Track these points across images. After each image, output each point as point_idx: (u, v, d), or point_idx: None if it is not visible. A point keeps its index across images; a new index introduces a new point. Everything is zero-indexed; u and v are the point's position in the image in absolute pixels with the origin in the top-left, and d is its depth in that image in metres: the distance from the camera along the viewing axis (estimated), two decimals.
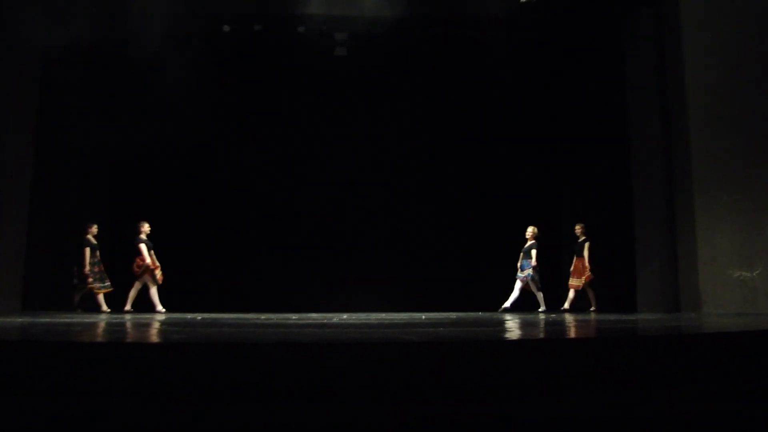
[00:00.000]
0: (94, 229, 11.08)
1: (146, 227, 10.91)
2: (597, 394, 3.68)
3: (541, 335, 5.18)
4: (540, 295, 11.03)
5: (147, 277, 10.77)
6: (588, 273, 11.03)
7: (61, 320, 7.44)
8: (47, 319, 7.64)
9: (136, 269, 10.78)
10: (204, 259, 11.44)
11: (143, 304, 10.78)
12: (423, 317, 8.79)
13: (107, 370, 3.59)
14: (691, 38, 9.19)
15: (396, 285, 11.49)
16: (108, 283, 11.01)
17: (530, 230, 11.17)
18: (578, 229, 11.33)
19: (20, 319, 7.64)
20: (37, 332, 5.37)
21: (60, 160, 11.22)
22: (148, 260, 10.71)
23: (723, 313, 8.30)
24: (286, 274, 12.00)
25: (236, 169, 12.55)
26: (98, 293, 10.90)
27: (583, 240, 11.19)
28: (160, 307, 10.73)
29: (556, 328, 6.09)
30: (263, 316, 8.97)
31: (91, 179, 12.03)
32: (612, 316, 8.53)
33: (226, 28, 11.38)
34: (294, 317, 8.64)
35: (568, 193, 12.83)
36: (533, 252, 10.99)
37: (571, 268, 11.29)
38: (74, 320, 7.52)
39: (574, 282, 11.18)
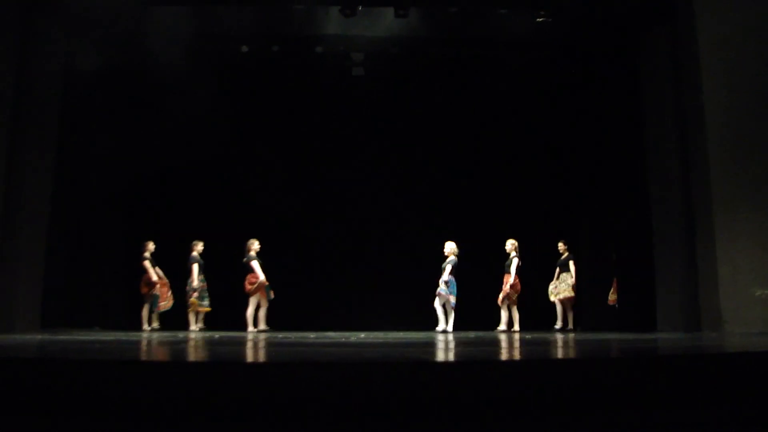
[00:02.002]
0: (200, 246, 11.10)
1: (257, 245, 10.86)
2: (617, 414, 3.63)
3: (560, 355, 5.13)
4: (441, 311, 10.78)
5: (261, 294, 10.72)
6: (506, 289, 10.84)
7: (80, 338, 7.47)
8: (66, 337, 7.67)
9: (248, 286, 10.70)
10: (220, 277, 11.43)
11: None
12: (439, 335, 8.75)
13: (119, 390, 3.59)
14: (709, 56, 9.14)
15: (414, 304, 11.42)
16: (207, 303, 10.99)
17: (448, 246, 10.91)
18: (509, 245, 11.11)
19: (39, 337, 7.69)
20: (56, 350, 5.39)
21: (79, 179, 11.32)
22: (262, 277, 10.64)
23: (745, 332, 8.19)
24: (305, 293, 11.99)
25: (253, 188, 12.59)
26: (200, 311, 10.93)
27: (513, 256, 11.01)
28: (262, 326, 10.66)
29: (575, 348, 6.04)
30: (281, 335, 8.98)
31: (109, 198, 12.11)
32: (631, 335, 8.44)
33: (244, 48, 11.47)
34: (312, 336, 8.63)
35: (585, 211, 12.74)
36: (448, 267, 10.74)
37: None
38: (93, 338, 7.55)
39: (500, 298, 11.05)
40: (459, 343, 6.90)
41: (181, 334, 9.34)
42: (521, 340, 7.61)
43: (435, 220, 12.48)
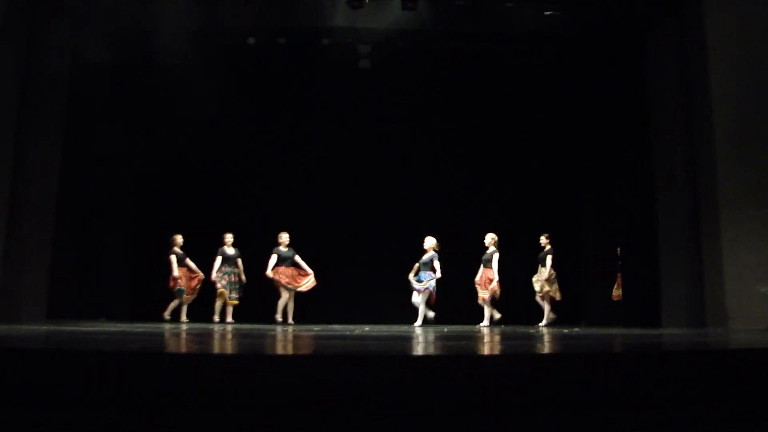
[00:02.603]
0: (228, 237, 11.00)
1: (282, 237, 10.91)
2: (620, 411, 3.63)
3: (563, 350, 5.13)
4: (422, 308, 10.56)
5: (280, 286, 10.78)
6: (494, 286, 10.62)
7: (85, 329, 7.50)
8: (71, 328, 7.70)
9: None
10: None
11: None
12: (445, 330, 8.76)
13: (124, 380, 3.60)
14: (717, 52, 9.10)
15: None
16: (235, 296, 10.88)
17: (429, 241, 10.69)
18: (490, 239, 10.89)
19: (45, 327, 7.72)
20: (61, 341, 5.41)
21: (85, 171, 11.36)
22: (267, 272, 10.67)
23: (749, 329, 8.17)
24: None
25: (259, 181, 12.62)
26: (228, 303, 10.89)
27: (493, 251, 10.80)
28: (289, 319, 10.73)
29: (578, 342, 6.03)
30: (290, 328, 9.00)
31: (115, 190, 12.16)
32: (636, 331, 8.43)
33: (251, 40, 11.46)
34: (316, 328, 8.65)
35: (591, 206, 12.73)
36: (437, 263, 10.51)
37: (477, 279, 10.86)
38: (98, 329, 7.57)
39: (482, 294, 10.81)
40: (452, 338, 6.90)
41: (185, 326, 9.37)
42: (523, 335, 7.61)
43: (441, 213, 12.49)
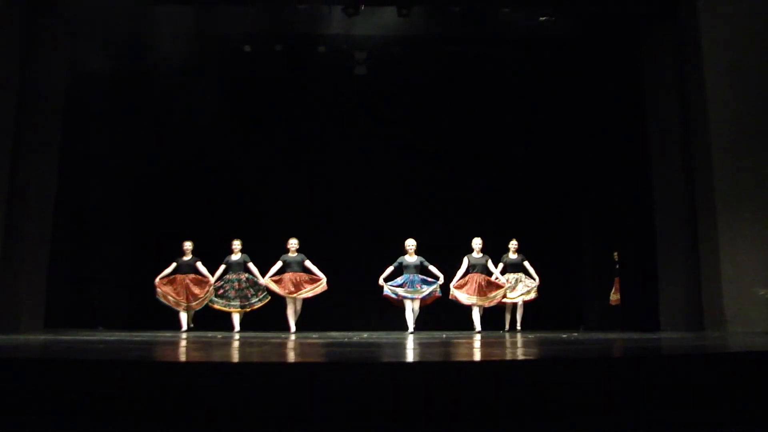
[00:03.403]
0: (234, 245, 10.51)
1: (291, 243, 10.53)
2: (620, 414, 3.63)
3: (564, 355, 5.12)
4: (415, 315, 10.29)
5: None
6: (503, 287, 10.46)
7: (84, 338, 7.48)
8: (69, 337, 7.68)
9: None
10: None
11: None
12: (444, 336, 8.75)
13: (122, 390, 3.59)
14: (712, 56, 9.12)
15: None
16: (237, 303, 10.34)
17: (414, 243, 10.37)
18: (480, 243, 10.63)
19: (43, 337, 7.70)
20: (59, 350, 5.40)
21: (83, 179, 11.34)
22: (265, 279, 10.32)
23: (748, 332, 8.17)
24: None
25: (255, 187, 12.60)
26: (232, 311, 10.43)
27: (487, 257, 10.67)
28: (292, 328, 10.34)
29: (580, 347, 6.03)
30: (284, 335, 8.99)
31: (113, 198, 12.14)
32: (634, 335, 8.43)
33: (247, 48, 11.48)
34: (315, 336, 8.64)
35: (589, 210, 12.74)
36: (433, 268, 10.24)
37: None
38: (96, 338, 7.56)
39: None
40: (461, 343, 6.90)
41: (185, 335, 9.35)
42: (525, 340, 7.61)
43: (439, 219, 12.49)
